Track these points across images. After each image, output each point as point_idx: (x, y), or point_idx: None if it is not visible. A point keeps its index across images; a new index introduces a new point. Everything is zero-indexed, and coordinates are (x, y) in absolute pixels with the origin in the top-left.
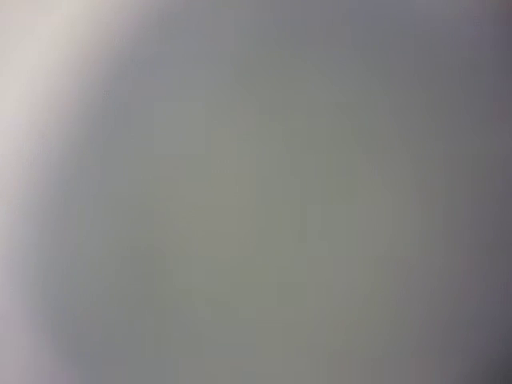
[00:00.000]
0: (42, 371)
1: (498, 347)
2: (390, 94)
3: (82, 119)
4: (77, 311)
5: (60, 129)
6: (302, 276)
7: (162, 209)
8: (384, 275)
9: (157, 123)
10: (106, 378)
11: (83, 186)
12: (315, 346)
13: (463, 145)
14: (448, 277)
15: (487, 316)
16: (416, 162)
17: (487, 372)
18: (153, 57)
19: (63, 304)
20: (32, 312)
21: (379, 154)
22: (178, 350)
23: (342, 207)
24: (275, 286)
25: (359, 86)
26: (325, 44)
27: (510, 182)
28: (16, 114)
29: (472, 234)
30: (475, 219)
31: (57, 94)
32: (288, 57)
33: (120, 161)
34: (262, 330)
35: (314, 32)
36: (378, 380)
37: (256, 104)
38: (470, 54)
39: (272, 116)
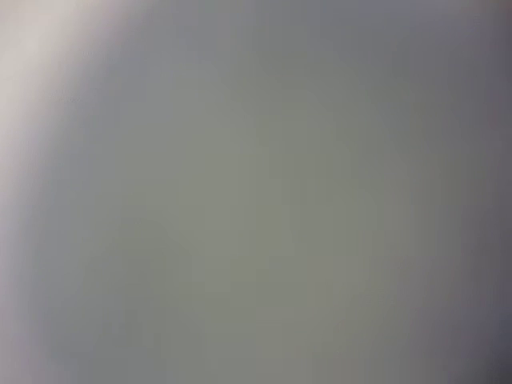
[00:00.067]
0: (39, 371)
1: (497, 347)
2: (389, 93)
3: (77, 119)
4: (75, 312)
5: (55, 129)
6: (301, 276)
7: (161, 209)
8: (384, 275)
9: (156, 124)
10: (105, 378)
11: (81, 186)
12: (315, 346)
13: (463, 145)
14: (448, 277)
15: (487, 316)
16: (415, 163)
17: (487, 372)
18: (151, 56)
19: (61, 304)
20: (30, 313)
21: (378, 154)
22: (177, 351)
23: (342, 207)
24: (275, 286)
25: (358, 87)
26: (324, 44)
27: (508, 181)
28: (9, 113)
29: (470, 234)
30: (473, 220)
31: (52, 94)
32: (287, 57)
33: (118, 161)
34: (262, 330)
35: (313, 32)
36: (378, 380)
37: (255, 104)
38: (469, 55)
39: (271, 116)
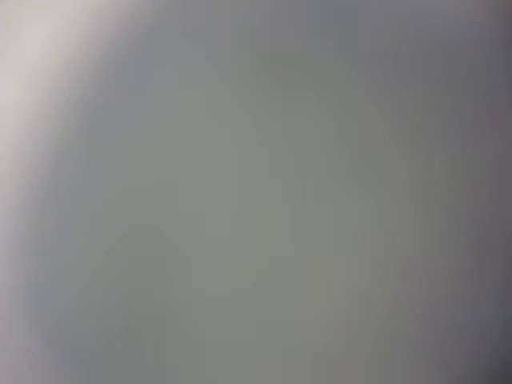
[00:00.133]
0: (40, 376)
1: (497, 347)
2: (389, 93)
3: (80, 120)
4: (75, 317)
5: (58, 129)
6: (301, 276)
7: (161, 212)
8: (384, 275)
9: (158, 124)
10: (105, 382)
11: (81, 189)
12: (315, 346)
13: (463, 145)
14: (447, 277)
15: (487, 316)
16: (415, 163)
17: (487, 372)
18: (152, 57)
19: (62, 308)
20: (31, 317)
21: (378, 154)
22: (177, 355)
23: (342, 207)
24: (275, 287)
25: (358, 87)
26: (324, 44)
27: (508, 181)
28: (15, 115)
29: (471, 234)
30: (473, 220)
31: (55, 95)
32: (287, 57)
33: (118, 164)
34: (262, 335)
35: (313, 32)
36: (378, 380)
37: (255, 104)
38: (470, 55)
39: (271, 116)
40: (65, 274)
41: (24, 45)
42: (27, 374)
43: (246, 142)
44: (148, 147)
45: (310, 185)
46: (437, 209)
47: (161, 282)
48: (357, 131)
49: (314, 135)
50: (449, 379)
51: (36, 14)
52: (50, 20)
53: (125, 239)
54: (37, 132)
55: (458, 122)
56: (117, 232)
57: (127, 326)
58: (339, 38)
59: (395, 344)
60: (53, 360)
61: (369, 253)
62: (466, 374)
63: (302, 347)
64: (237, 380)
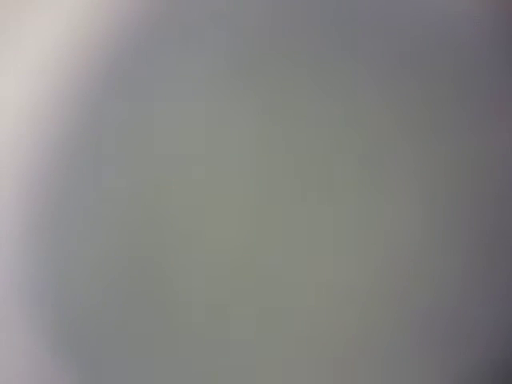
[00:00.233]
0: (41, 374)
1: (498, 347)
2: (389, 93)
3: (80, 120)
4: (75, 318)
5: (57, 130)
6: (301, 280)
7: (162, 212)
8: (384, 275)
9: (156, 124)
10: (105, 381)
11: (81, 188)
12: (315, 346)
13: (463, 144)
14: (448, 277)
15: (487, 316)
16: (416, 162)
17: (487, 372)
18: (152, 57)
19: (62, 310)
20: (31, 317)
21: (378, 154)
22: (177, 357)
23: (343, 207)
24: (275, 291)
25: (358, 86)
26: (324, 44)
27: (510, 180)
28: (15, 115)
29: (472, 233)
30: (475, 219)
31: (55, 95)
32: (288, 57)
33: (118, 163)
34: (261, 336)
35: (313, 32)
36: (378, 380)
37: (256, 104)
38: (469, 54)
39: (272, 116)
40: (65, 274)
41: (24, 45)
42: (27, 374)
43: (247, 142)
44: (148, 147)
45: (310, 184)
46: (440, 208)
47: (161, 282)
48: (357, 130)
49: (313, 135)
50: (449, 379)
51: (36, 14)
52: (50, 20)
53: (125, 239)
54: (37, 132)
55: (458, 121)
56: (117, 232)
57: (127, 325)
58: (339, 38)
59: (395, 344)
60: (53, 360)
61: (369, 253)
62: (467, 373)
63: (302, 347)
64: (237, 380)
